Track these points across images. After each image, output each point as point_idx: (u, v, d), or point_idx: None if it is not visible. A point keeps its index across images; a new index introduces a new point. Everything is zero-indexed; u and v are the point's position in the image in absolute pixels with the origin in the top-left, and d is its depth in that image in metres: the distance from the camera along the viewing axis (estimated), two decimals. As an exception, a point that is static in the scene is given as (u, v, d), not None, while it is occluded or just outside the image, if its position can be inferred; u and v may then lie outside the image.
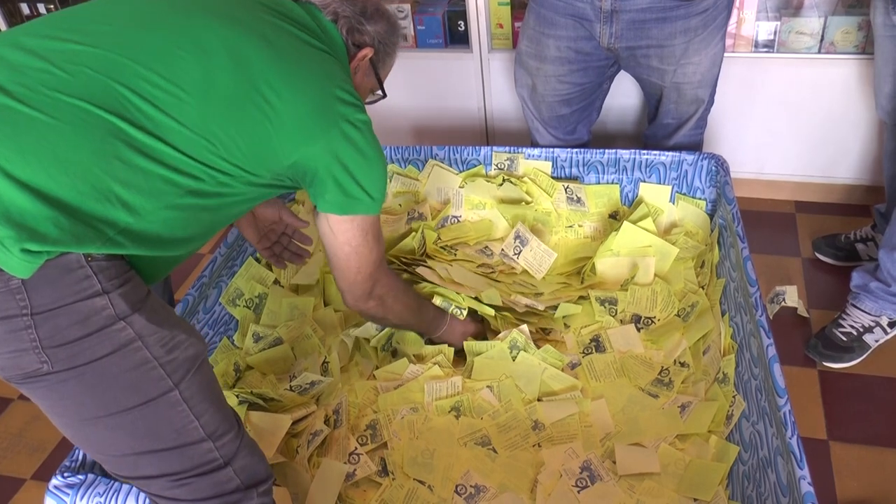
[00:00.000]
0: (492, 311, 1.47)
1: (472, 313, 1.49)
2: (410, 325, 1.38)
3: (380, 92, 1.21)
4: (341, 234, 1.09)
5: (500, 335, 1.45)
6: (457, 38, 2.08)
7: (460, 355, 1.47)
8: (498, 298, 1.49)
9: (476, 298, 1.48)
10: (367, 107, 1.09)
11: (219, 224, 0.99)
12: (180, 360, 0.89)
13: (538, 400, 1.37)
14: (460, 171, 1.75)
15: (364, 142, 1.02)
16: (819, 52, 1.86)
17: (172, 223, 0.88)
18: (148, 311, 0.86)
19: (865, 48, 1.81)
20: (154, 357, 0.86)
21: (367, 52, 1.12)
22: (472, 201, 1.73)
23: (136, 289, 0.87)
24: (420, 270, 1.51)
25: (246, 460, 0.97)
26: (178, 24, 0.91)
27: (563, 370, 1.41)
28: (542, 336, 1.52)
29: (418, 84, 2.16)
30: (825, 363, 1.62)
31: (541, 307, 1.50)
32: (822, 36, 1.84)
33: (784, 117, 1.98)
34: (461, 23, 2.05)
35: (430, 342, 1.47)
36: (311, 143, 0.96)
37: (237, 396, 1.29)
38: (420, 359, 1.45)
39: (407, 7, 2.05)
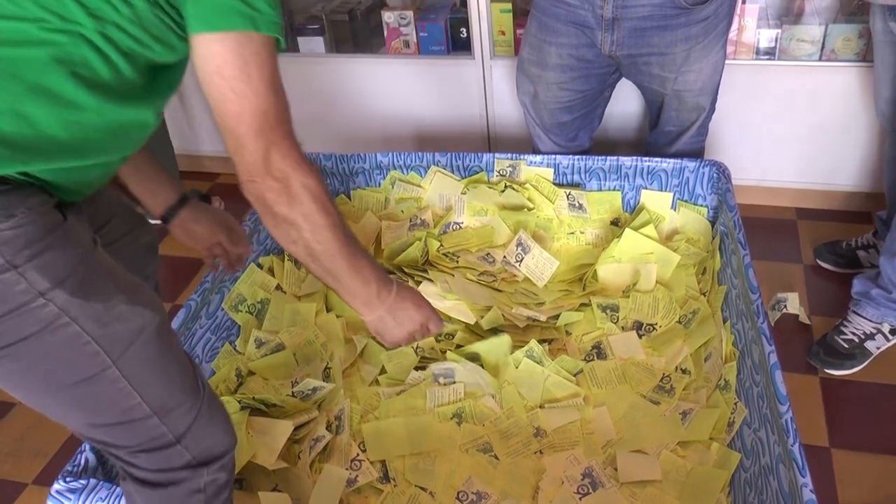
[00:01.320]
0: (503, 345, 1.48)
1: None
2: (333, 252, 0.95)
3: None
4: (210, 60, 0.79)
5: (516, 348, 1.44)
6: (459, 45, 2.09)
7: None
8: (499, 319, 1.49)
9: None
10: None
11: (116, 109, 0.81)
12: (120, 333, 0.82)
13: (540, 407, 1.37)
14: (462, 178, 1.75)
15: None
16: (820, 59, 1.86)
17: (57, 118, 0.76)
18: (75, 284, 0.78)
19: (866, 55, 1.81)
20: (86, 332, 0.79)
21: None
22: (474, 207, 1.73)
23: (60, 259, 0.78)
24: (422, 288, 1.51)
25: (200, 434, 0.92)
26: None
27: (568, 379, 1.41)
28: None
29: (421, 91, 2.16)
30: (827, 370, 1.61)
31: (543, 318, 1.50)
32: (823, 43, 1.84)
33: (785, 124, 1.98)
34: (463, 30, 2.06)
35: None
36: None
37: (239, 402, 1.29)
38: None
39: (410, 14, 2.06)
